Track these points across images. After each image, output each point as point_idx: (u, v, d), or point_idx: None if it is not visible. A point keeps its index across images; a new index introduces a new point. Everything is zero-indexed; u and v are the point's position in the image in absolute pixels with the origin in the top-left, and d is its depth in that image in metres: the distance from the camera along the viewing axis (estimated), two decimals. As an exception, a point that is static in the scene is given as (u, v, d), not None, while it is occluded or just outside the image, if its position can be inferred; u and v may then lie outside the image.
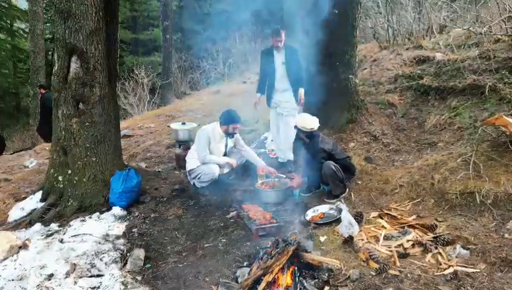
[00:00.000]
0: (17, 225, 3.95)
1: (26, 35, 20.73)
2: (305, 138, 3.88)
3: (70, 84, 3.92)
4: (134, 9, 23.05)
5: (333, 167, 3.67)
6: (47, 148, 8.03)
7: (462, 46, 6.74)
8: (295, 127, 4.01)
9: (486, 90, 4.84)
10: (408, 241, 2.95)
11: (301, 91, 4.59)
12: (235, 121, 4.27)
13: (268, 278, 2.43)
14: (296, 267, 2.49)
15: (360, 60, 7.97)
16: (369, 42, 10.07)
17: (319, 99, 4.60)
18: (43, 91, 9.37)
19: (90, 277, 2.91)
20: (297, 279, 2.44)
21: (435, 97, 5.49)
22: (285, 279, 2.43)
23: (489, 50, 5.76)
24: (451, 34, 7.65)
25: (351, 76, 5.05)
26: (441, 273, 2.59)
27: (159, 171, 5.19)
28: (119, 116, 4.85)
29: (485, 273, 2.55)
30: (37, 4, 13.91)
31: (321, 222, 3.41)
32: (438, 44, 7.39)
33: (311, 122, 3.90)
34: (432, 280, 2.54)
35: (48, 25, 19.84)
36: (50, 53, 18.83)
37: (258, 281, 2.51)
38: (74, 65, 3.89)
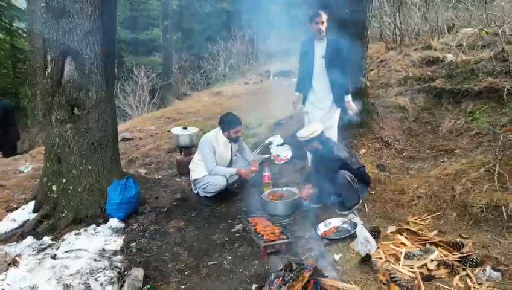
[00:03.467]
0: (8, 238, 3.70)
1: (25, 35, 20.53)
2: (317, 145, 3.62)
3: (64, 88, 3.66)
4: (134, 9, 22.83)
5: (348, 177, 3.41)
6: (43, 152, 7.79)
7: (474, 47, 6.49)
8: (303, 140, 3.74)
9: (504, 93, 4.60)
10: (432, 261, 2.69)
11: (348, 99, 3.99)
12: (235, 124, 4.01)
13: (282, 307, 2.18)
14: (312, 295, 2.24)
15: (367, 60, 7.74)
16: (374, 43, 9.83)
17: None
18: None
19: (84, 300, 2.66)
20: (314, 308, 2.19)
21: (449, 100, 5.24)
22: (301, 308, 2.18)
23: (504, 51, 5.51)
24: (459, 34, 7.40)
25: (361, 78, 4.79)
26: (471, 299, 2.34)
27: (159, 178, 4.94)
28: (118, 117, 4.62)
29: (520, 300, 2.30)
30: (35, 3, 13.64)
31: (334, 238, 3.15)
32: (448, 44, 7.13)
33: (310, 128, 3.66)
34: (462, 307, 2.29)
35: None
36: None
37: (269, 309, 2.26)
38: (68, 67, 3.63)
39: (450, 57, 6.56)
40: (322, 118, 4.07)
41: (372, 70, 7.55)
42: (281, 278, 2.33)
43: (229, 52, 15.95)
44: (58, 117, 3.73)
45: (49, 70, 3.68)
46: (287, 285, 2.22)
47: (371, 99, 5.31)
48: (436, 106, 5.30)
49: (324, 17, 3.82)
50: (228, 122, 4.00)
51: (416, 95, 5.70)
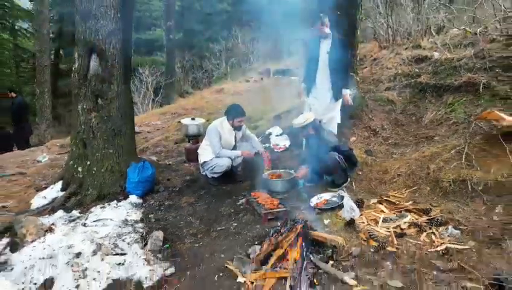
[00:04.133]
0: (40, 212, 4.22)
1: (28, 35, 21.06)
2: (311, 131, 4.16)
3: (90, 81, 4.20)
4: (137, 10, 23.28)
5: (337, 158, 3.95)
6: (58, 144, 8.32)
7: (459, 46, 7.01)
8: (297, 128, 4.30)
9: (481, 87, 5.12)
10: (405, 223, 3.22)
11: (346, 93, 4.49)
12: (239, 114, 4.55)
13: (279, 252, 2.71)
14: (303, 243, 2.76)
15: (360, 59, 8.26)
16: (369, 42, 10.35)
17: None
18: (13, 95, 9.55)
19: (115, 255, 3.18)
20: (304, 253, 2.72)
21: (432, 94, 5.76)
22: (294, 253, 2.70)
23: (484, 49, 6.04)
24: (448, 35, 7.92)
25: (352, 74, 5.31)
26: (434, 250, 2.86)
27: (169, 164, 5.47)
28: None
29: (474, 250, 2.83)
30: (42, 4, 14.18)
31: (325, 208, 3.68)
32: (436, 44, 7.66)
33: (303, 116, 4.19)
34: (425, 255, 2.81)
35: (51, 24, 20.12)
36: (52, 52, 19.20)
37: (269, 256, 2.79)
38: (93, 63, 4.17)
39: (436, 55, 7.08)
40: (324, 110, 4.62)
41: (365, 67, 8.09)
42: (278, 233, 2.86)
43: (230, 51, 16.47)
44: (84, 106, 4.25)
45: (77, 65, 4.22)
46: (283, 235, 2.75)
47: (362, 93, 5.83)
48: (421, 99, 5.83)
49: (327, 20, 4.43)
50: (233, 112, 4.54)
51: (404, 89, 6.23)
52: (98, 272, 2.95)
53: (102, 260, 3.09)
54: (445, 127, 4.91)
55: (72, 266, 3.01)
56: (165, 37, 17.01)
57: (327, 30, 4.43)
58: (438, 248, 2.87)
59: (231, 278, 2.72)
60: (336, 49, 4.41)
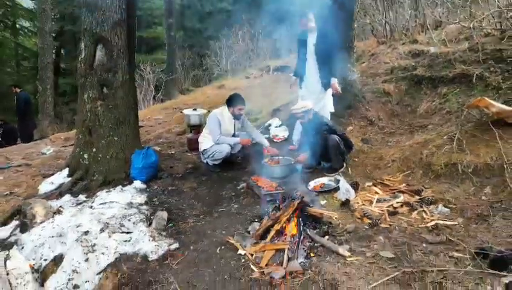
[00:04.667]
0: (48, 197, 4.38)
1: (30, 34, 21.22)
2: (309, 117, 4.32)
3: (95, 70, 4.36)
4: (138, 8, 23.40)
5: (337, 139, 4.12)
6: (62, 137, 8.48)
7: (455, 40, 7.18)
8: (296, 117, 4.46)
9: (474, 78, 5.28)
10: (398, 202, 3.39)
11: (333, 81, 4.64)
12: (240, 103, 4.72)
13: (277, 227, 2.87)
14: (300, 219, 2.93)
15: (359, 55, 8.43)
16: (367, 39, 10.52)
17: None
18: (18, 90, 9.73)
19: (122, 233, 3.34)
20: (301, 228, 2.88)
21: (427, 86, 5.93)
22: (291, 228, 2.86)
23: (478, 43, 6.20)
24: (445, 30, 8.09)
25: (349, 65, 5.47)
26: (424, 225, 3.03)
27: (172, 153, 5.63)
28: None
29: (462, 225, 2.99)
30: (45, 2, 14.35)
31: (321, 190, 3.84)
32: (432, 39, 7.82)
33: (301, 104, 4.37)
34: (416, 230, 2.98)
35: (52, 23, 20.29)
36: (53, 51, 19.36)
37: (268, 231, 2.95)
38: (99, 53, 4.33)
39: (432, 49, 7.25)
40: (314, 100, 4.78)
41: (363, 62, 8.25)
42: (277, 209, 3.02)
43: (231, 49, 16.61)
44: (90, 95, 4.41)
45: (83, 56, 4.38)
46: (281, 210, 2.91)
47: (359, 85, 5.99)
48: (417, 91, 5.99)
49: (311, 17, 4.71)
50: (234, 100, 4.71)
51: (400, 82, 6.39)
52: (106, 247, 3.11)
53: (110, 237, 3.24)
54: (439, 116, 5.07)
55: (81, 242, 3.17)
56: (165, 35, 17.18)
57: (312, 24, 4.68)
58: (428, 224, 3.03)
59: (232, 250, 2.88)
60: (322, 40, 4.65)
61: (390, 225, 3.07)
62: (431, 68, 6.37)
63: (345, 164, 4.33)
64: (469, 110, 4.49)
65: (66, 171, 4.71)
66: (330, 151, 4.17)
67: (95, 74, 4.36)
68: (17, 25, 20.44)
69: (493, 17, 6.66)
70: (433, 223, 3.02)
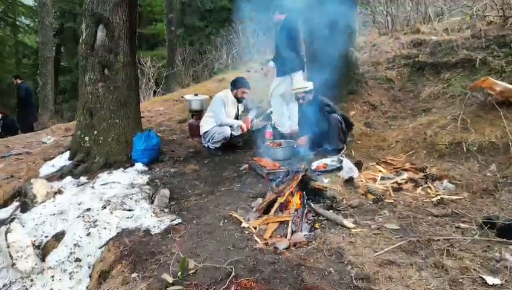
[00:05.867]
0: (49, 179, 4.34)
1: (30, 31, 21.18)
2: (310, 97, 4.29)
3: (97, 51, 4.32)
4: (139, 4, 23.36)
5: (339, 118, 4.09)
6: (63, 128, 8.45)
7: (456, 30, 7.16)
8: (297, 98, 4.43)
9: (477, 63, 5.25)
10: (402, 179, 3.35)
11: (295, 77, 4.91)
12: (243, 85, 4.69)
13: (281, 200, 2.84)
14: (304, 192, 2.89)
15: (360, 46, 8.39)
16: (368, 30, 10.48)
17: (321, 71, 4.99)
18: (19, 81, 9.69)
19: (123, 210, 3.31)
20: (305, 201, 2.85)
21: (430, 72, 5.89)
22: (295, 201, 2.83)
23: (481, 30, 6.17)
24: (447, 21, 8.07)
25: (351, 48, 5.44)
26: (429, 200, 3.00)
27: (173, 139, 5.60)
28: None
29: (467, 199, 2.96)
30: (46, -4, 14.31)
31: (325, 170, 3.80)
32: (435, 29, 7.80)
33: (302, 83, 4.36)
34: (421, 205, 2.94)
35: (53, 20, 20.25)
36: (54, 48, 19.33)
37: (271, 205, 2.92)
38: (100, 34, 4.29)
39: (434, 38, 7.21)
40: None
41: (365, 53, 8.20)
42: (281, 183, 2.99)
43: (231, 43, 16.57)
44: (91, 77, 4.38)
45: (84, 36, 4.34)
46: (284, 184, 2.88)
47: (361, 69, 5.96)
48: (419, 77, 5.95)
49: (277, 14, 5.05)
50: (239, 82, 4.69)
51: (402, 69, 6.35)
52: (108, 223, 3.09)
53: (111, 213, 3.22)
54: (442, 100, 5.04)
55: (83, 217, 3.14)
56: (166, 30, 17.14)
57: (280, 17, 5.00)
58: (433, 199, 3.00)
59: (236, 223, 2.85)
60: (283, 30, 4.94)
61: (394, 200, 3.04)
62: (433, 55, 6.33)
63: (345, 146, 4.29)
64: (473, 92, 4.46)
65: (67, 154, 4.69)
66: (332, 131, 4.14)
67: (96, 55, 4.33)
68: (18, 22, 20.42)
69: (495, 3, 6.63)
70: (438, 197, 2.99)
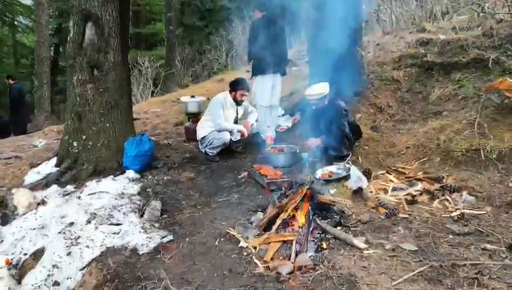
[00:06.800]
0: (34, 187, 4.05)
1: (28, 30, 20.89)
2: (325, 103, 3.99)
3: (85, 51, 4.02)
4: (137, 4, 23.11)
5: (346, 126, 3.81)
6: (55, 130, 8.15)
7: (465, 28, 6.86)
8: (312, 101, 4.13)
9: (490, 63, 4.96)
10: (416, 191, 3.05)
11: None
12: (243, 87, 4.39)
13: (284, 215, 2.54)
14: (309, 207, 2.59)
15: (364, 46, 8.10)
16: (372, 29, 10.19)
17: (325, 71, 4.68)
18: (11, 82, 9.40)
19: (110, 224, 3.02)
20: (311, 217, 2.55)
21: (439, 72, 5.59)
22: (300, 217, 2.53)
23: (492, 28, 5.87)
24: (454, 19, 7.78)
25: (357, 48, 5.14)
26: (448, 215, 2.70)
27: (169, 143, 5.30)
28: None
29: (491, 215, 2.66)
30: (42, -5, 14.01)
31: (330, 179, 3.50)
32: (441, 28, 7.51)
33: (320, 87, 4.01)
34: (439, 220, 2.65)
35: (50, 20, 19.96)
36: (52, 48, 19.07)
37: (273, 221, 2.62)
38: (89, 31, 3.99)
39: (442, 37, 6.92)
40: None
41: (369, 52, 7.90)
42: (283, 196, 2.69)
43: (231, 43, 16.28)
44: (80, 78, 4.08)
45: (71, 34, 4.05)
46: (288, 198, 2.58)
47: (366, 70, 5.66)
48: (428, 77, 5.65)
49: (256, 12, 5.01)
50: (238, 84, 4.39)
51: (410, 69, 6.05)
52: (92, 239, 2.79)
53: (97, 228, 2.92)
54: (454, 102, 4.74)
55: (64, 234, 2.84)
56: (165, 29, 16.86)
57: (258, 15, 4.95)
58: (453, 214, 2.70)
59: (233, 243, 2.55)
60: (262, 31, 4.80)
61: (409, 215, 2.74)
62: (442, 55, 6.03)
63: (351, 153, 3.99)
64: (488, 93, 4.16)
65: (54, 160, 4.38)
66: (338, 138, 3.84)
67: (85, 55, 4.02)
68: (16, 22, 20.15)
69: (507, 0, 6.34)
70: (458, 212, 2.69)
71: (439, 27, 7.67)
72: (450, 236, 2.43)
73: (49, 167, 4.32)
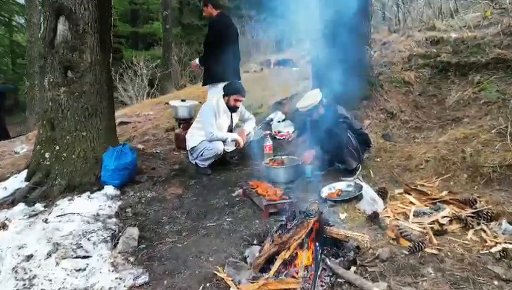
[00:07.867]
0: (-1, 205, 3.55)
1: (24, 30, 20.38)
2: (320, 112, 3.49)
3: (57, 49, 3.52)
4: (134, 3, 22.65)
5: (348, 135, 3.30)
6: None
7: (479, 26, 6.38)
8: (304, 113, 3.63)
9: (513, 63, 4.46)
10: (443, 217, 2.54)
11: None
12: (238, 91, 3.88)
13: (285, 255, 2.03)
14: (317, 243, 2.09)
15: (368, 45, 7.61)
16: (377, 27, 9.70)
17: (330, 73, 4.18)
18: None
19: (76, 257, 2.51)
20: (319, 257, 2.04)
21: (455, 74, 5.09)
22: (305, 257, 2.03)
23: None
24: (465, 17, 7.31)
25: (366, 47, 4.63)
26: (487, 251, 2.19)
27: (157, 152, 4.79)
28: (116, 108, 4.52)
29: (540, 251, 2.15)
30: (34, -7, 13.51)
31: (339, 199, 3.00)
32: (452, 26, 7.02)
33: (310, 97, 3.53)
34: (477, 259, 2.14)
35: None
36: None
37: (271, 259, 2.11)
38: (62, 27, 3.48)
39: (454, 35, 6.42)
40: None
41: (375, 52, 7.40)
42: (284, 229, 2.18)
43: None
44: (52, 80, 3.57)
45: (42, 30, 3.54)
46: (290, 232, 2.07)
47: (375, 71, 5.16)
48: (442, 79, 5.15)
49: (207, 8, 4.67)
50: (232, 88, 3.88)
51: (422, 70, 5.54)
52: (50, 280, 2.28)
53: (57, 264, 2.42)
54: (476, 107, 4.23)
55: (16, 272, 2.33)
56: (161, 28, 16.34)
57: (213, 12, 4.66)
58: (493, 249, 2.19)
59: (222, 288, 2.04)
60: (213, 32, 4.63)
61: (439, 250, 2.23)
62: (457, 54, 5.53)
63: (360, 166, 3.48)
64: (517, 98, 3.66)
65: (24, 173, 3.88)
66: (342, 150, 3.34)
67: (56, 54, 3.52)
68: (13, 22, 19.69)
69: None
70: (499, 247, 2.19)
71: (450, 25, 7.18)
72: (495, 282, 1.93)
73: (17, 181, 3.81)
